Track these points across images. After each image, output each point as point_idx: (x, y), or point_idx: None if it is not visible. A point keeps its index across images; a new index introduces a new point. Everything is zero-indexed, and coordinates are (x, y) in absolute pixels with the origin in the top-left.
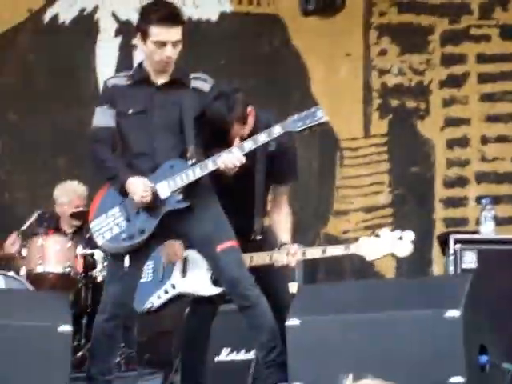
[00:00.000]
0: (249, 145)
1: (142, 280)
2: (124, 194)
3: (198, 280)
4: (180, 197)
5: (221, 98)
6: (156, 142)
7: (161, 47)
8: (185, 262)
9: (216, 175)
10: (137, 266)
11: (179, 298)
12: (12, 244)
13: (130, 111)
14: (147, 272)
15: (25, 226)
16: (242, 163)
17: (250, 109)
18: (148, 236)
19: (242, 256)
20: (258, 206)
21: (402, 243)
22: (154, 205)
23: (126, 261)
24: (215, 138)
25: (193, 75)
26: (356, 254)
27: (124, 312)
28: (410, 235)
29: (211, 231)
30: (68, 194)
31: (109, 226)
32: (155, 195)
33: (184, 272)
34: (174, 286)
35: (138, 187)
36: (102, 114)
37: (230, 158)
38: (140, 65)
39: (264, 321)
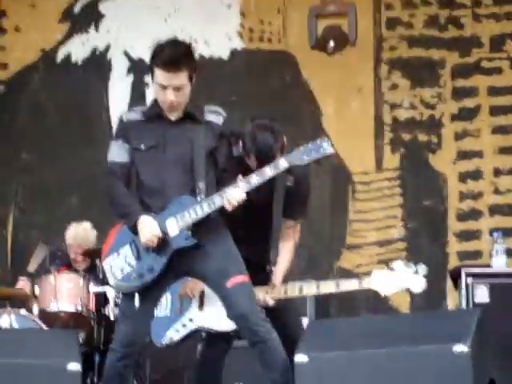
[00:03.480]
0: (255, 179)
1: (160, 313)
2: (135, 232)
3: (214, 315)
4: (188, 234)
5: (266, 129)
6: (167, 179)
7: (163, 90)
8: (202, 295)
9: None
10: (148, 304)
11: (197, 332)
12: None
13: (143, 146)
14: (165, 305)
15: (32, 267)
16: (243, 200)
17: (285, 139)
18: (158, 275)
19: (252, 290)
20: (275, 238)
21: (416, 278)
22: (163, 243)
23: (137, 300)
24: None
25: (207, 108)
26: (370, 289)
27: (136, 350)
28: (423, 269)
29: (221, 267)
30: (75, 238)
31: (120, 264)
32: (164, 233)
33: (201, 306)
34: (191, 320)
35: (146, 228)
36: (116, 148)
37: (234, 194)
38: (155, 100)
39: (275, 356)
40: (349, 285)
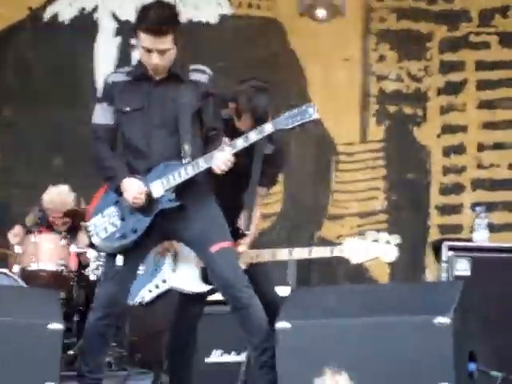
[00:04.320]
0: (240, 143)
1: None
2: (120, 193)
3: (187, 276)
4: (173, 196)
5: (262, 90)
6: (153, 140)
7: (148, 53)
8: (175, 256)
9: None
10: (131, 265)
11: (169, 292)
12: (15, 236)
13: (128, 108)
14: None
15: (28, 220)
16: (232, 163)
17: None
18: (141, 235)
19: (236, 256)
20: (249, 202)
21: (388, 248)
22: (147, 204)
23: (119, 260)
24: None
25: (191, 67)
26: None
27: (117, 311)
28: (396, 239)
29: (205, 231)
30: (52, 202)
31: (104, 225)
32: (148, 195)
33: (175, 267)
34: (164, 281)
35: (132, 188)
36: (101, 111)
37: (223, 157)
38: (140, 61)
39: (257, 322)
40: (321, 252)
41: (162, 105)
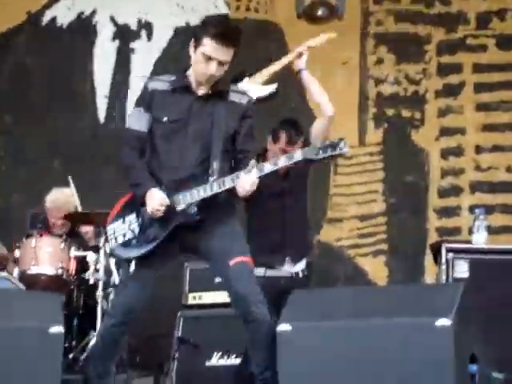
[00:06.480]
0: (268, 167)
1: None
2: (143, 202)
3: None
4: (194, 210)
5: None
6: (185, 154)
7: (207, 61)
8: None
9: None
10: (148, 274)
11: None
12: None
13: (165, 119)
14: None
15: None
16: (256, 185)
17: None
18: (156, 245)
19: (253, 272)
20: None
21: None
22: (168, 216)
23: (132, 267)
24: None
25: (232, 88)
26: None
27: (132, 318)
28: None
29: (224, 247)
30: (55, 202)
31: (123, 230)
32: (170, 207)
33: None
34: None
35: (155, 200)
36: (137, 116)
37: (249, 179)
38: (183, 72)
39: (265, 338)
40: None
41: (199, 120)
